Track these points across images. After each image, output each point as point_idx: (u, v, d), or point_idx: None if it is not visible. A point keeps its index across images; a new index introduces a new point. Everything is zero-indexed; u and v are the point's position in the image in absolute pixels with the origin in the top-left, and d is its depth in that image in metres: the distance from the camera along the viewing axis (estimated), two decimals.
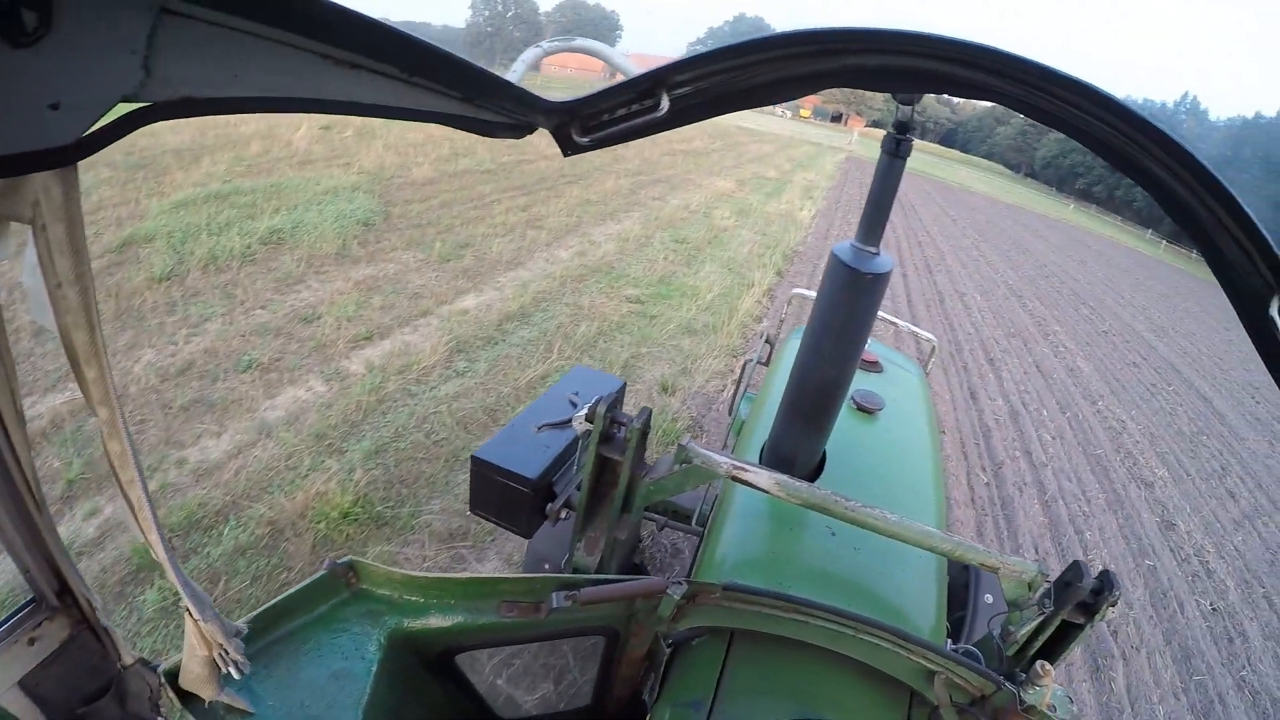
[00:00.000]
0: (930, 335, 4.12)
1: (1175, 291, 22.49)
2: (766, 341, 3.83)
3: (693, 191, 15.07)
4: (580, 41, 1.07)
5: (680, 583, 1.44)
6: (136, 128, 0.50)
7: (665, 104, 0.90)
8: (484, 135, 0.87)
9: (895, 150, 1.67)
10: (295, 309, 6.10)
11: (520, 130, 0.89)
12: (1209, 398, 10.45)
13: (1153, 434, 8.21)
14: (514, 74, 0.89)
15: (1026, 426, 7.26)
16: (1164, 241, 47.06)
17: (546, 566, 2.40)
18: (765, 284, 9.07)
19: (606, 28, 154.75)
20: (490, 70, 0.73)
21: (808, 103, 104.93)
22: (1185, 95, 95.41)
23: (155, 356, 4.86)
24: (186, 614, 0.90)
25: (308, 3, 0.48)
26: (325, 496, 3.79)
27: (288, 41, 0.52)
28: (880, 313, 3.59)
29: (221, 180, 9.32)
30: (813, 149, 38.13)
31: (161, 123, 0.49)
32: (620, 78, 0.94)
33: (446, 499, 4.04)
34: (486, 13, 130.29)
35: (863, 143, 50.04)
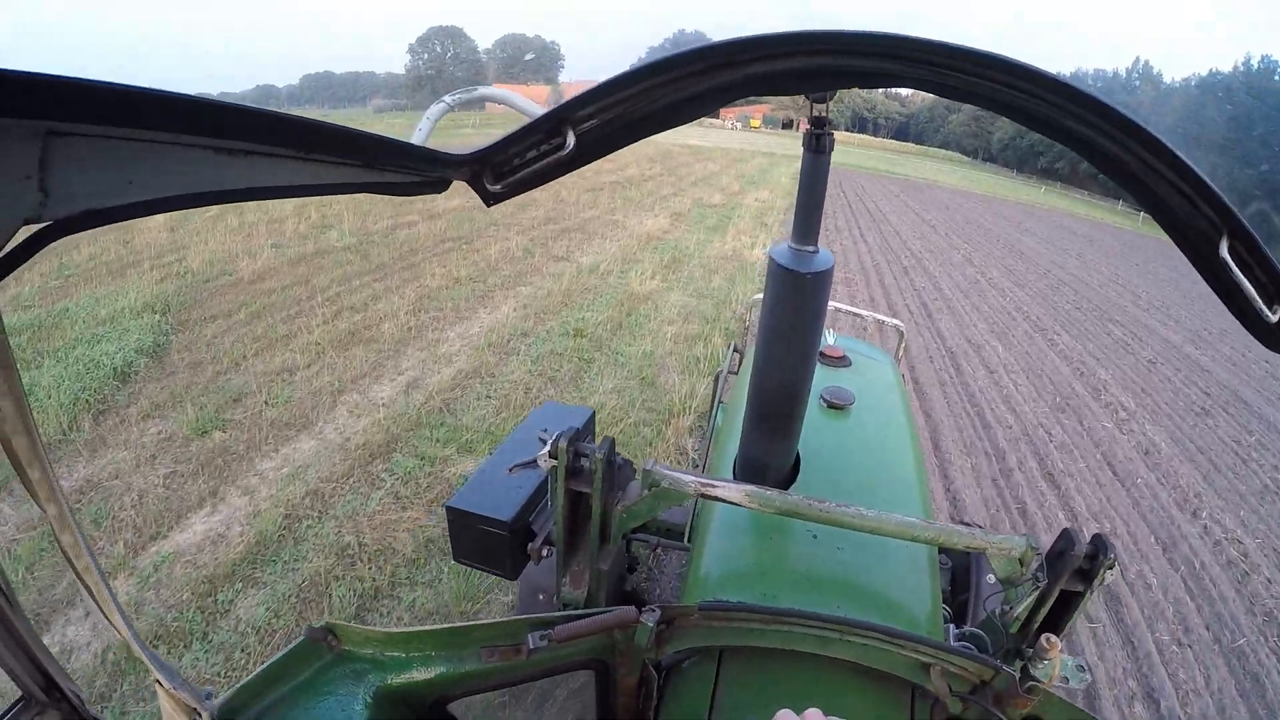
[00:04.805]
0: (897, 321, 4.08)
1: (1181, 274, 19.74)
2: (735, 350, 3.77)
3: (611, 239, 12.00)
4: (482, 90, 1.07)
5: (653, 609, 1.36)
6: (43, 246, 0.52)
7: (571, 141, 0.87)
8: (403, 195, 0.83)
9: (816, 146, 1.56)
10: None
11: (436, 186, 0.87)
12: None
13: None
14: (420, 133, 0.95)
15: (1146, 650, 4.19)
16: (1140, 214, 44.92)
17: (541, 598, 2.19)
18: (703, 401, 5.86)
19: (548, 58, 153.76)
20: (389, 136, 0.72)
21: (757, 112, 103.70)
22: (1137, 60, 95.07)
23: None
24: (158, 685, 0.91)
25: (186, 105, 0.49)
26: None
27: (175, 141, 0.53)
28: (843, 305, 4.27)
29: (14, 309, 6.89)
30: (765, 160, 35.51)
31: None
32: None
33: None
34: (425, 55, 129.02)
35: None
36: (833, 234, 15.90)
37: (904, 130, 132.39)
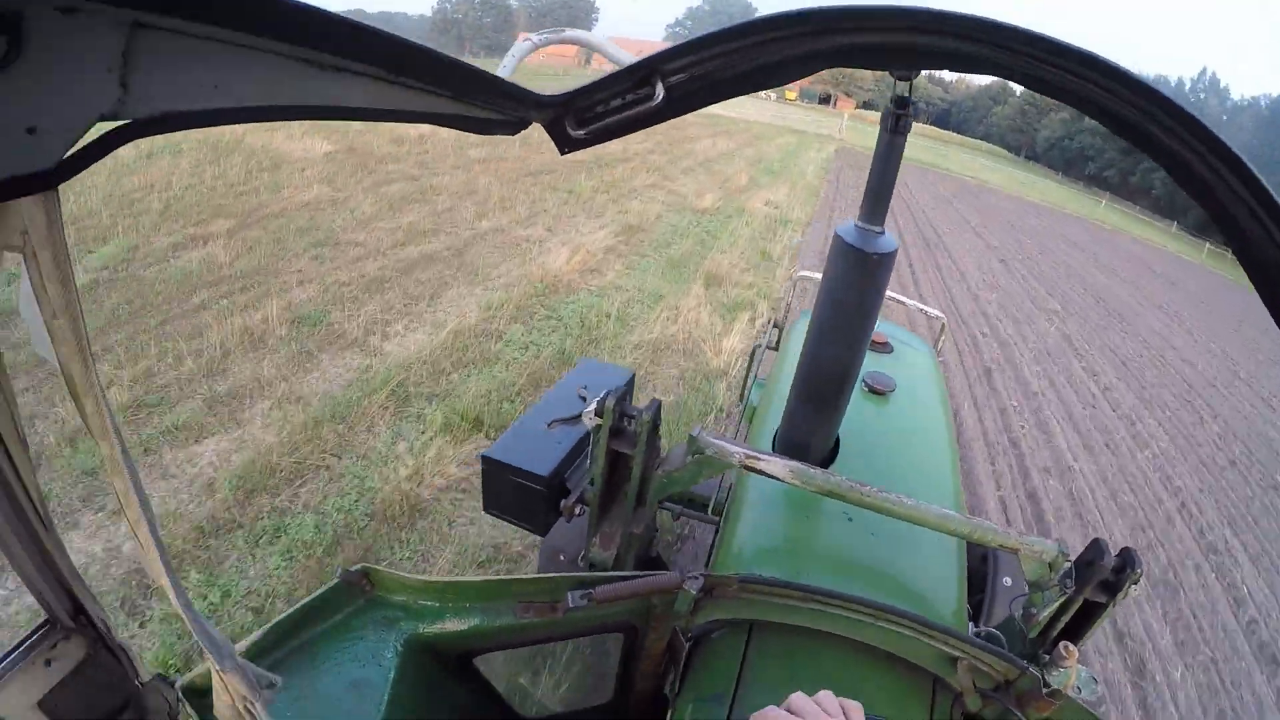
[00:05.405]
0: (938, 312, 4.04)
1: None
2: (775, 326, 3.65)
3: (486, 287, 6.93)
4: (571, 33, 1.04)
5: (696, 576, 1.37)
6: (118, 146, 0.49)
7: (660, 92, 0.85)
8: (478, 133, 0.81)
9: (895, 127, 1.61)
10: None
11: (514, 126, 0.84)
12: None
13: None
14: (505, 69, 0.90)
15: None
16: (1207, 245, 39.43)
17: (562, 558, 2.16)
18: None
19: (582, 11, 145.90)
20: (480, 67, 0.71)
21: (793, 85, 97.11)
22: (1204, 71, 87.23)
23: None
24: (210, 664, 0.83)
25: (283, 7, 0.47)
26: None
27: (266, 48, 0.51)
28: (889, 293, 3.67)
29: None
30: (794, 139, 30.12)
31: None
32: (610, 67, 0.90)
33: None
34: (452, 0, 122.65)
35: (854, 127, 42.11)
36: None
37: (944, 117, 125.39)
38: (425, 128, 15.21)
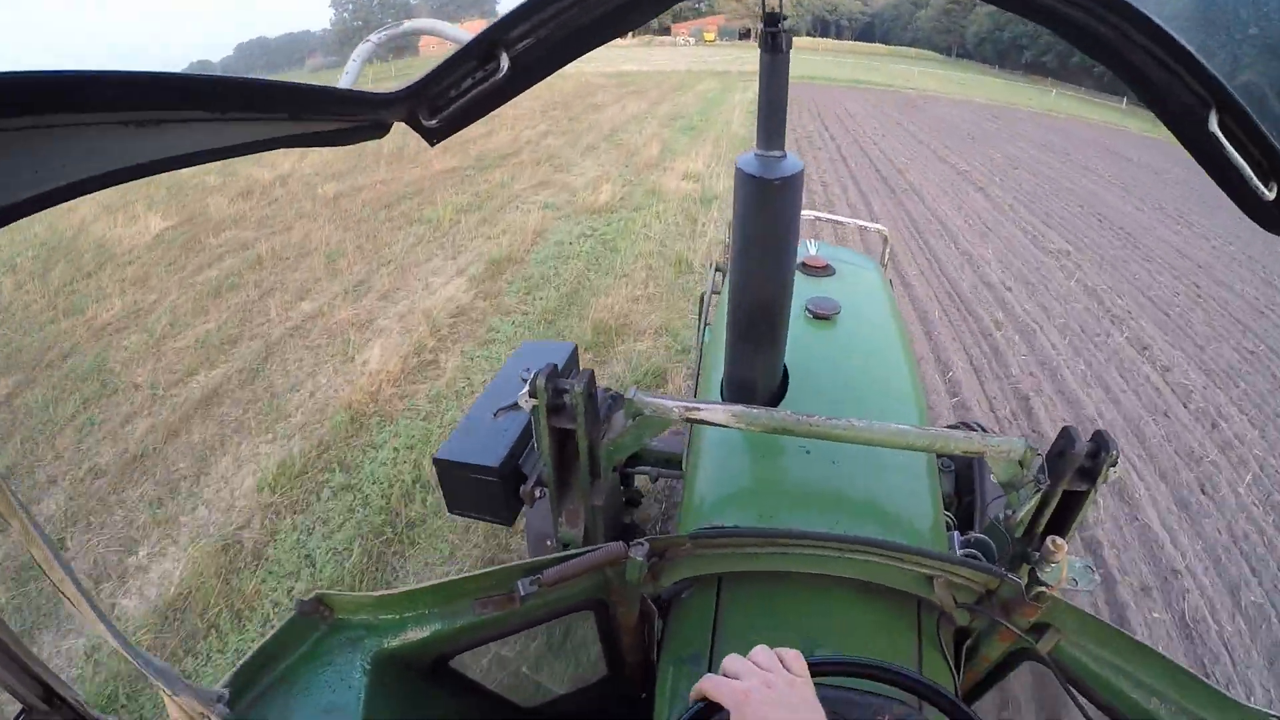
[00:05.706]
0: (880, 226, 3.87)
1: None
2: (717, 270, 3.47)
3: (261, 449, 4.48)
4: (409, 24, 1.01)
5: (641, 543, 1.32)
6: None
7: (505, 64, 0.80)
8: (339, 145, 0.78)
9: (772, 46, 1.48)
10: None
11: (372, 130, 0.81)
12: None
13: None
14: (348, 76, 0.87)
15: None
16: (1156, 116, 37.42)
17: (549, 543, 2.13)
18: None
19: None
20: (311, 84, 0.65)
21: (711, 24, 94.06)
22: None
23: None
24: (162, 692, 0.87)
25: (79, 81, 0.46)
26: None
27: (75, 123, 0.49)
28: (823, 213, 3.86)
29: None
30: (715, 84, 27.40)
31: None
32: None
33: None
34: (351, 6, 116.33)
35: None
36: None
37: (869, 31, 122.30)
38: (285, 168, 12.51)
